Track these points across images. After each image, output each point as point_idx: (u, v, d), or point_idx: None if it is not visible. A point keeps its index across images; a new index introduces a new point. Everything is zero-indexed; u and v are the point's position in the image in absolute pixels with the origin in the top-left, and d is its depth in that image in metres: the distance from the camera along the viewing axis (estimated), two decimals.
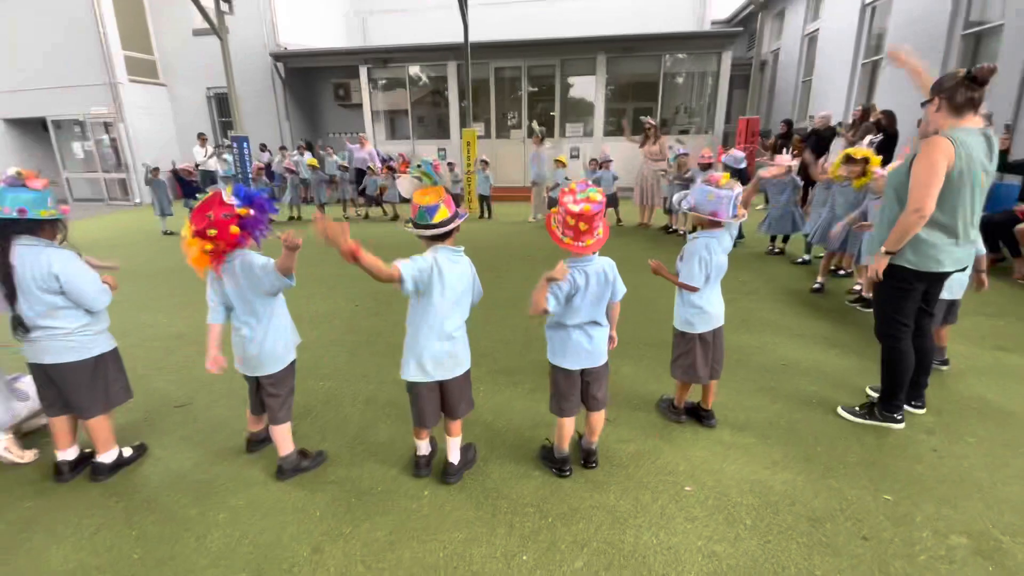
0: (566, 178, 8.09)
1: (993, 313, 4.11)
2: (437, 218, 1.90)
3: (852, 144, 6.65)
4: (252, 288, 2.08)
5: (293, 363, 2.26)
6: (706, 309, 2.40)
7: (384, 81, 13.50)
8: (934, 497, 2.07)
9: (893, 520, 1.95)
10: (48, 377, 2.18)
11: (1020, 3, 5.91)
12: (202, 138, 10.66)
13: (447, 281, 1.93)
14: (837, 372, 3.16)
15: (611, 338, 2.19)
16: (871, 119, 6.98)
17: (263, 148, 12.53)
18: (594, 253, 1.97)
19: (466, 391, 2.15)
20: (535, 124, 9.38)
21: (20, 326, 2.07)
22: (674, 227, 7.59)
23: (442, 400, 2.12)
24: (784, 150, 7.03)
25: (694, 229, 2.47)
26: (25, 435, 2.58)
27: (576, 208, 1.86)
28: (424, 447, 2.25)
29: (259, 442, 2.45)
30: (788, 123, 9.96)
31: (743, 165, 6.22)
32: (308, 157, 10.47)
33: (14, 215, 1.99)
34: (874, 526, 1.92)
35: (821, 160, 5.78)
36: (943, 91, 2.21)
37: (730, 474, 2.22)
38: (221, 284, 2.10)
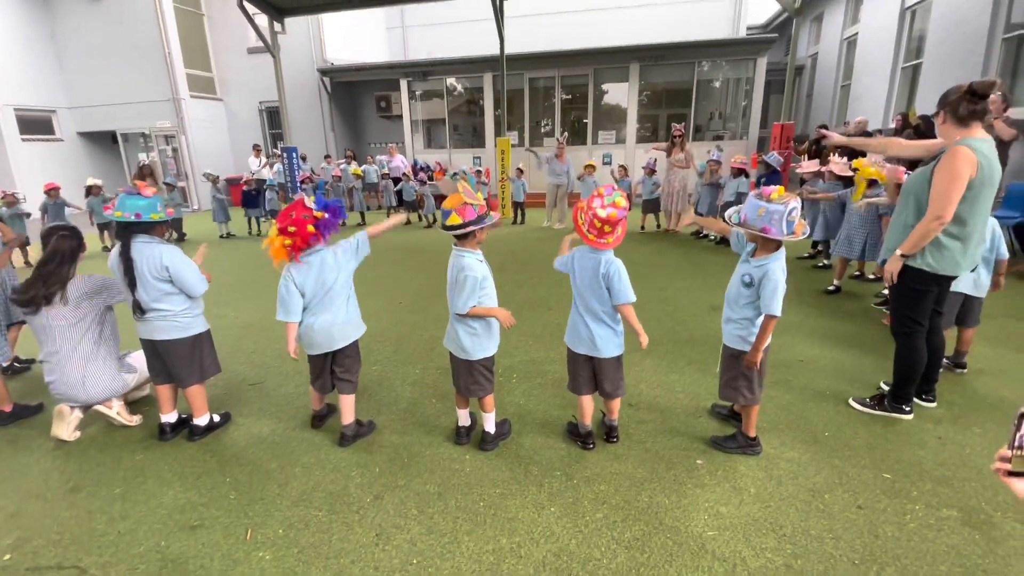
0: (594, 182, 8.29)
1: (1019, 316, 4.14)
2: (449, 222, 2.22)
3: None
4: (333, 274, 2.45)
5: (357, 342, 2.64)
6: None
7: (422, 92, 14.09)
8: (932, 477, 2.25)
9: (889, 494, 2.15)
10: (156, 351, 2.63)
11: None
12: (257, 149, 11.46)
13: (449, 274, 2.33)
14: (855, 369, 3.32)
15: (638, 333, 2.24)
16: (912, 124, 6.96)
17: (303, 159, 13.29)
18: (611, 250, 2.23)
19: (470, 375, 2.42)
20: (559, 136, 9.59)
21: (138, 309, 2.52)
22: (704, 232, 7.72)
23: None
24: (818, 155, 7.09)
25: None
26: (131, 404, 3.05)
27: (603, 213, 2.11)
28: (464, 417, 2.58)
29: (322, 418, 2.82)
30: (823, 127, 9.90)
31: (779, 165, 6.43)
32: (353, 166, 11.11)
33: (132, 218, 2.45)
34: (870, 498, 2.13)
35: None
36: (947, 104, 2.36)
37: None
38: (298, 277, 2.47)
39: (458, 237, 2.28)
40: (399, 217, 2.92)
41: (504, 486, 2.25)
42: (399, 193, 10.58)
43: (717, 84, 12.99)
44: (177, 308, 2.56)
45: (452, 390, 2.59)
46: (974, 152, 2.25)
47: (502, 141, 10.66)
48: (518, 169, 9.98)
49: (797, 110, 14.16)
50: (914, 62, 9.47)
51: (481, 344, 2.38)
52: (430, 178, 10.62)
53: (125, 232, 2.49)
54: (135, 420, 2.89)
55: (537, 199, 10.97)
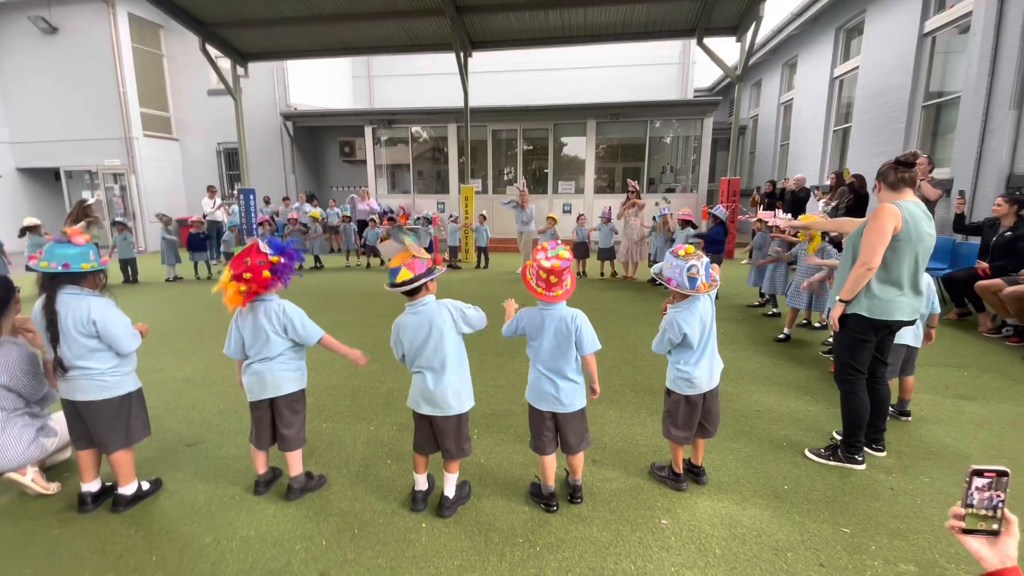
0: (554, 233, 8.57)
1: (958, 364, 4.38)
2: (399, 279, 2.19)
3: (830, 205, 7.19)
4: (270, 327, 2.38)
5: (304, 391, 2.55)
6: (693, 376, 2.42)
7: (387, 138, 14.28)
8: (888, 531, 2.27)
9: (849, 550, 2.15)
10: (77, 413, 2.39)
11: (975, 76, 6.57)
12: (211, 190, 11.17)
13: (410, 334, 2.29)
14: (808, 418, 3.39)
15: (592, 390, 2.37)
16: (846, 182, 7.54)
17: (267, 201, 13.06)
18: (562, 302, 2.26)
19: (460, 431, 2.35)
20: (519, 184, 10.03)
21: (60, 366, 2.31)
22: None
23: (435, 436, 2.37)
24: (763, 208, 7.57)
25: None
26: (49, 469, 2.74)
27: (548, 264, 2.17)
28: (422, 482, 2.44)
29: (267, 483, 2.61)
30: (772, 183, 10.62)
31: (725, 216, 6.86)
32: (311, 209, 10.97)
33: (59, 269, 2.27)
34: (831, 555, 2.12)
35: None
36: (880, 176, 2.68)
37: (703, 509, 2.42)
38: (244, 322, 2.40)
39: (409, 293, 2.25)
40: (358, 356, 2.68)
41: (463, 556, 2.11)
42: (361, 234, 10.51)
43: (668, 140, 13.80)
44: (104, 366, 2.35)
45: (408, 450, 2.46)
46: (899, 208, 2.51)
47: (466, 188, 10.83)
48: (480, 215, 10.15)
49: (742, 166, 15.14)
50: (844, 126, 10.37)
51: (468, 390, 2.37)
52: (392, 221, 10.60)
53: (52, 283, 2.30)
54: (52, 488, 2.59)
55: (499, 244, 11.10)
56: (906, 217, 2.50)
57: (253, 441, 2.54)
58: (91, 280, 2.38)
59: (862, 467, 2.77)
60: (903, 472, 2.74)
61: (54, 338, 2.27)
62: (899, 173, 2.58)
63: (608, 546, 2.17)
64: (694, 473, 2.67)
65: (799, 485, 2.62)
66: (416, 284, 2.20)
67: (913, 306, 2.66)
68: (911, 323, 2.74)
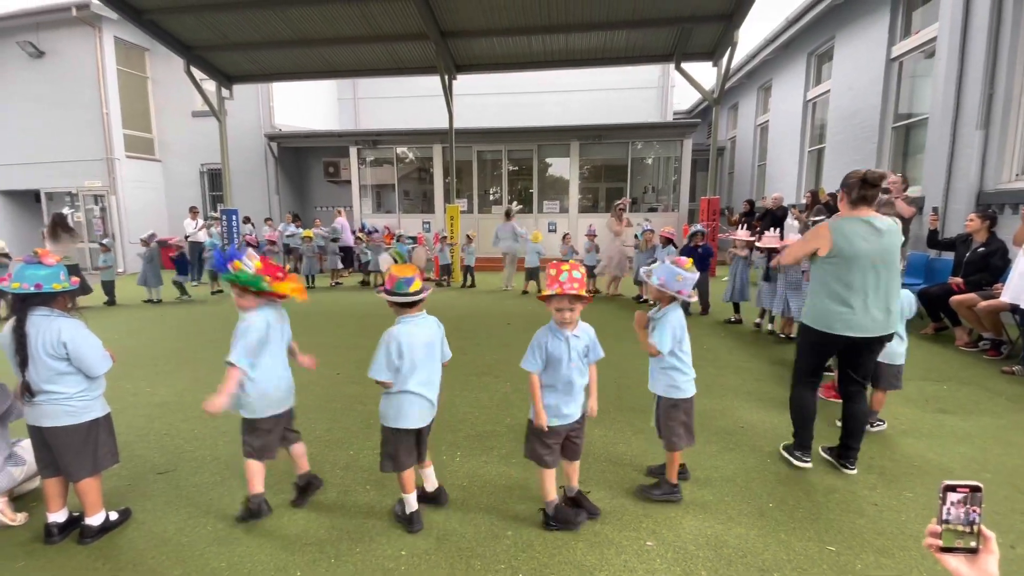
0: (538, 252, 8.74)
1: (937, 379, 4.44)
2: (413, 288, 2.27)
3: (805, 224, 7.35)
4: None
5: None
6: (690, 374, 2.61)
7: (372, 159, 14.33)
8: (873, 548, 2.26)
9: (835, 569, 2.13)
10: (44, 440, 2.29)
11: (942, 98, 6.82)
12: (193, 211, 11.07)
13: (412, 346, 2.31)
14: (790, 434, 3.38)
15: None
16: (821, 201, 7.73)
17: (246, 220, 12.96)
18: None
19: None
20: (513, 206, 10.25)
21: (27, 391, 2.22)
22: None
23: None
24: (745, 226, 7.71)
25: (655, 303, 2.72)
26: (16, 498, 2.62)
27: (578, 274, 2.22)
28: (413, 501, 2.41)
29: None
30: (751, 203, 10.84)
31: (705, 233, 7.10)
32: (302, 230, 10.97)
33: (31, 289, 2.21)
34: (817, 575, 2.09)
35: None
36: (845, 187, 2.72)
37: (689, 529, 2.39)
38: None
39: (412, 305, 2.33)
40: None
41: None
42: (350, 256, 10.51)
43: (649, 161, 14.06)
44: (72, 391, 2.27)
45: (387, 476, 2.39)
46: (829, 231, 2.65)
47: (452, 208, 10.87)
48: (467, 236, 10.20)
49: (721, 186, 15.46)
50: (818, 146, 10.68)
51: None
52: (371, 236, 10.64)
53: (23, 305, 2.23)
54: (19, 519, 2.48)
55: (485, 263, 11.12)
56: (836, 239, 2.62)
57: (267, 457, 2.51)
58: (61, 301, 2.32)
59: (808, 465, 2.93)
60: (887, 488, 2.74)
61: (22, 362, 2.20)
62: (862, 191, 2.63)
63: (593, 570, 2.12)
64: (682, 477, 2.75)
65: (784, 503, 2.61)
66: (424, 295, 2.31)
67: (866, 324, 2.64)
68: (867, 340, 2.70)
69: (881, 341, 2.75)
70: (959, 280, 5.35)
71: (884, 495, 2.67)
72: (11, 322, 2.22)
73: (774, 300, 5.66)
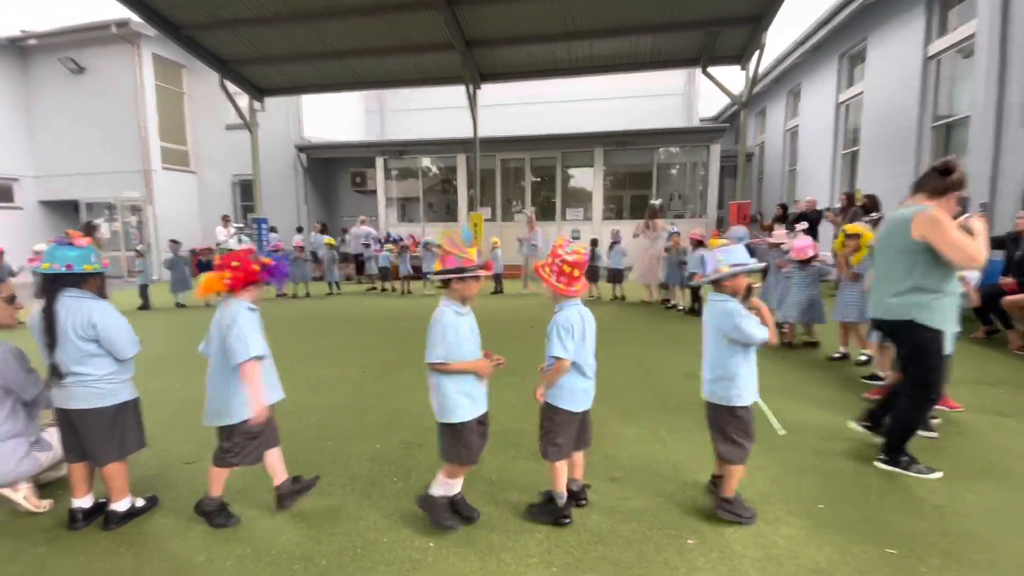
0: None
1: (991, 382, 4.18)
2: (435, 267, 2.19)
3: (840, 227, 7.08)
4: (218, 333, 2.30)
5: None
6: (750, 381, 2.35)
7: (397, 171, 14.53)
8: (938, 551, 2.07)
9: (900, 571, 1.95)
10: (71, 423, 2.29)
11: (983, 96, 6.54)
12: (225, 219, 11.35)
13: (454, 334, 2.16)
14: (836, 435, 3.19)
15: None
16: (857, 203, 7.47)
17: (272, 229, 13.22)
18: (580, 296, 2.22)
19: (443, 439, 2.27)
20: (527, 210, 10.37)
21: (55, 373, 2.23)
22: (673, 302, 7.83)
23: None
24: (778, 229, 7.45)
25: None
26: (43, 486, 2.63)
27: (571, 258, 2.14)
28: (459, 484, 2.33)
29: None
30: (783, 206, 10.54)
31: (747, 240, 6.71)
32: (325, 238, 11.14)
33: (62, 270, 2.23)
34: None
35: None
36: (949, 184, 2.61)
37: (732, 529, 2.24)
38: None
39: (444, 284, 2.18)
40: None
41: None
42: (364, 262, 10.68)
43: (675, 168, 13.87)
44: (100, 372, 2.26)
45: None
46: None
47: (475, 215, 10.89)
48: (492, 242, 10.21)
49: (750, 191, 15.14)
50: (852, 148, 10.36)
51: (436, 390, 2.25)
52: (403, 248, 10.69)
53: (53, 286, 2.24)
54: (43, 506, 2.47)
55: (508, 271, 11.09)
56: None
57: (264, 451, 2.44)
58: (92, 283, 2.33)
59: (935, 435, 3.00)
60: (948, 490, 2.54)
61: (51, 343, 2.21)
62: (944, 179, 2.58)
63: (631, 567, 1.99)
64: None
65: (835, 505, 2.43)
66: (443, 278, 2.14)
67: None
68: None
69: None
70: (1011, 280, 5.05)
71: (945, 497, 2.47)
72: (41, 303, 2.24)
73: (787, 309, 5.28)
